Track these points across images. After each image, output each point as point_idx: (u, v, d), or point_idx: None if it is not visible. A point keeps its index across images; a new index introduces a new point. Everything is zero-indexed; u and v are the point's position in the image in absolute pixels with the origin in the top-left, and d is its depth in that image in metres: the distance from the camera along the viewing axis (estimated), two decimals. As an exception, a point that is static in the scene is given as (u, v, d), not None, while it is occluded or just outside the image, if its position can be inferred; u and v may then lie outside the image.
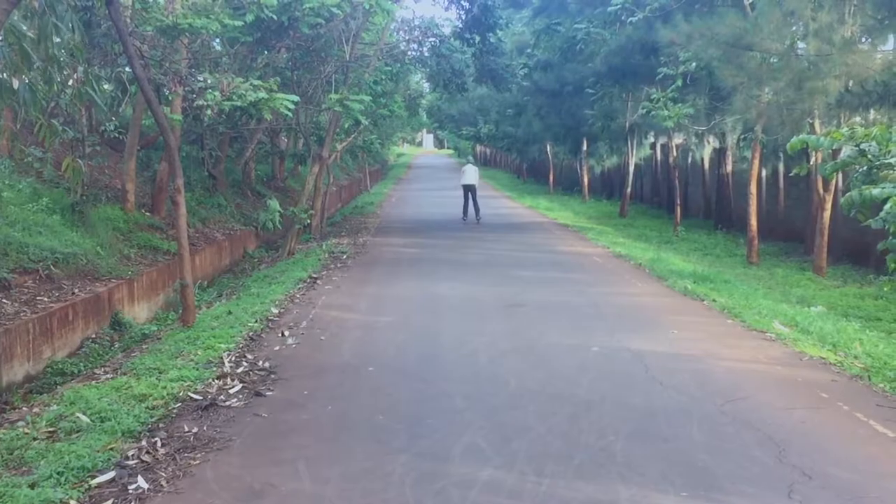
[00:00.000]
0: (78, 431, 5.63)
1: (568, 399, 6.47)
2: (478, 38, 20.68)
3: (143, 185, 15.79)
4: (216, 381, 6.97)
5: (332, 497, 4.66)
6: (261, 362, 7.62)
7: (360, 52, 18.02)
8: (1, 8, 5.90)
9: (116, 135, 15.07)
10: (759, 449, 5.39)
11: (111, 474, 4.93)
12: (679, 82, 19.51)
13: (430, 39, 19.98)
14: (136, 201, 14.51)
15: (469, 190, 22.72)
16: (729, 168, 24.31)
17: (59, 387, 7.63)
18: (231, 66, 14.36)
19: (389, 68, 19.44)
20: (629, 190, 28.33)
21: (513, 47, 30.29)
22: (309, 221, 18.21)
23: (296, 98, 11.66)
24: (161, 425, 5.88)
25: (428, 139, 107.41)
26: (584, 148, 33.10)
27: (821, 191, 16.49)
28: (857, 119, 14.72)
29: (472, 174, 22.80)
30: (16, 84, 8.97)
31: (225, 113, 12.64)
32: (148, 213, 14.85)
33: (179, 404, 6.36)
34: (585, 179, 34.96)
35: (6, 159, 12.40)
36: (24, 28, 8.08)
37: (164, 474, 4.99)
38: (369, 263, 14.50)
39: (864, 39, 14.43)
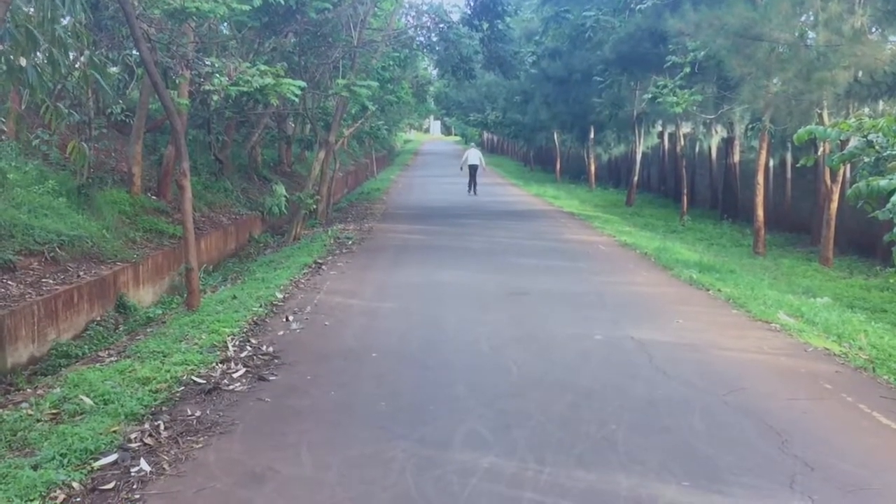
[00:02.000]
0: (81, 414, 5.66)
1: (570, 388, 6.47)
2: (486, 25, 20.58)
3: (150, 169, 15.79)
4: (220, 366, 6.99)
5: (332, 482, 4.68)
6: (265, 347, 7.64)
7: (368, 38, 17.99)
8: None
9: (123, 118, 15.08)
10: (762, 439, 5.39)
11: (114, 457, 4.96)
12: (687, 70, 19.42)
13: (439, 25, 19.92)
14: (143, 185, 14.50)
15: (473, 170, 27.26)
16: (736, 158, 24.21)
17: (63, 369, 7.67)
18: (238, 51, 14.35)
19: (397, 54, 19.37)
20: (636, 179, 28.26)
21: (521, 34, 30.16)
22: (315, 207, 18.25)
23: (303, 83, 11.62)
24: (164, 408, 5.90)
25: (435, 126, 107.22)
26: (592, 136, 33.01)
27: (828, 182, 16.44)
28: (866, 110, 14.62)
29: (474, 156, 27.49)
30: (23, 62, 8.93)
31: (232, 98, 12.63)
32: (154, 197, 14.85)
33: (183, 388, 6.38)
34: (592, 168, 34.88)
35: (12, 142, 12.40)
36: (26, 10, 8.02)
37: (166, 457, 5.01)
38: (374, 250, 14.50)
39: (873, 30, 14.31)
